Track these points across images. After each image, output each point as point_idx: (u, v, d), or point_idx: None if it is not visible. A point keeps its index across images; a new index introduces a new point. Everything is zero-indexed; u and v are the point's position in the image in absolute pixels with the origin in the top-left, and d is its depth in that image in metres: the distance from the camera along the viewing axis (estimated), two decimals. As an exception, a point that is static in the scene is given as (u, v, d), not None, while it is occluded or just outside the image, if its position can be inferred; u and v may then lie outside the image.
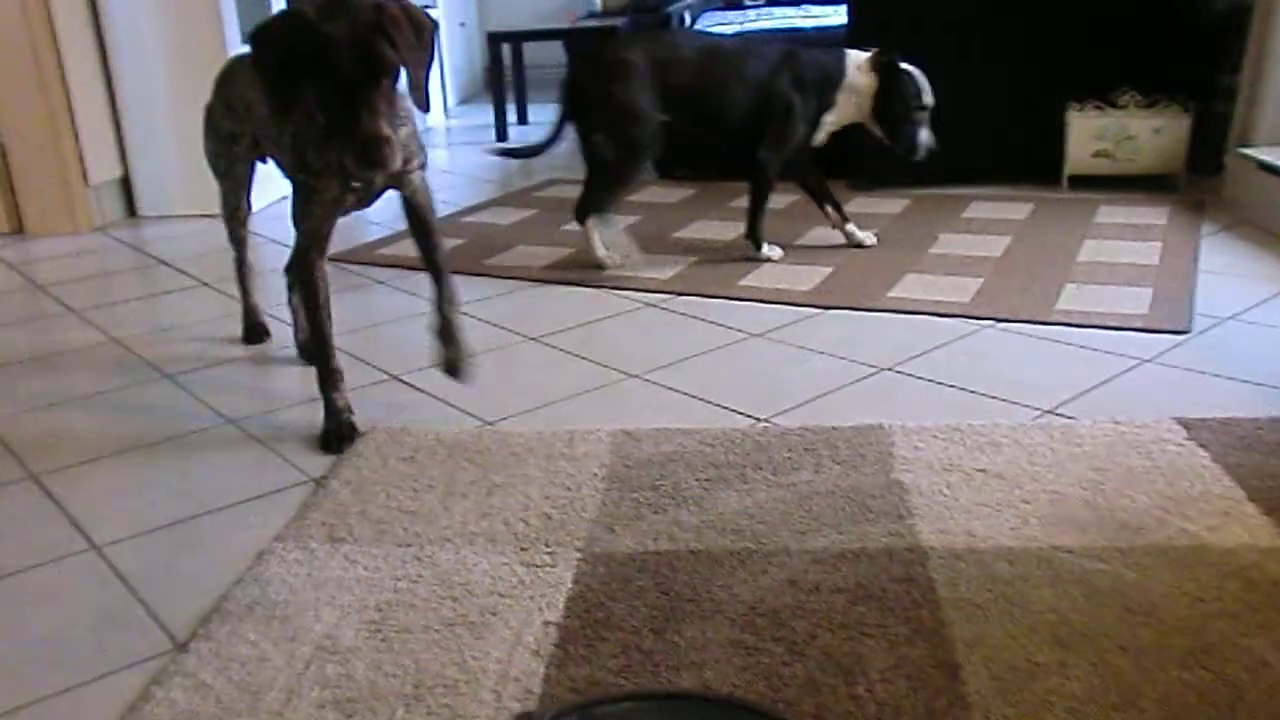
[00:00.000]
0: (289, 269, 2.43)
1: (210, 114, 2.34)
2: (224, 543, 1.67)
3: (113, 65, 3.78)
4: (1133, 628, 1.35)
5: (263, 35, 1.72)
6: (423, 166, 2.02)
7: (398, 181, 1.97)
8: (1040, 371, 2.19)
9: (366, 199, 1.98)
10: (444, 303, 2.09)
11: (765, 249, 3.04)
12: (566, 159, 4.73)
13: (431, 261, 2.09)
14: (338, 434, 1.98)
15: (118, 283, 3.15)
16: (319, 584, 1.52)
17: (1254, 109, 3.29)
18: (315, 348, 2.03)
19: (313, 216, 1.93)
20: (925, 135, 2.96)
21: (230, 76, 2.29)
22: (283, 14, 1.72)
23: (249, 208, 2.45)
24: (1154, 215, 3.28)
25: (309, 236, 1.95)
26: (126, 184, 3.93)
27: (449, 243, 3.31)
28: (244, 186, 2.39)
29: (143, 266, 3.30)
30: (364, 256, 3.24)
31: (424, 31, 1.75)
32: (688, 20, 5.13)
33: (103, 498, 1.84)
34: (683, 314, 2.64)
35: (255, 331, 2.60)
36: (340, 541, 1.63)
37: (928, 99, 2.94)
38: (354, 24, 1.64)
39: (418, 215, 2.06)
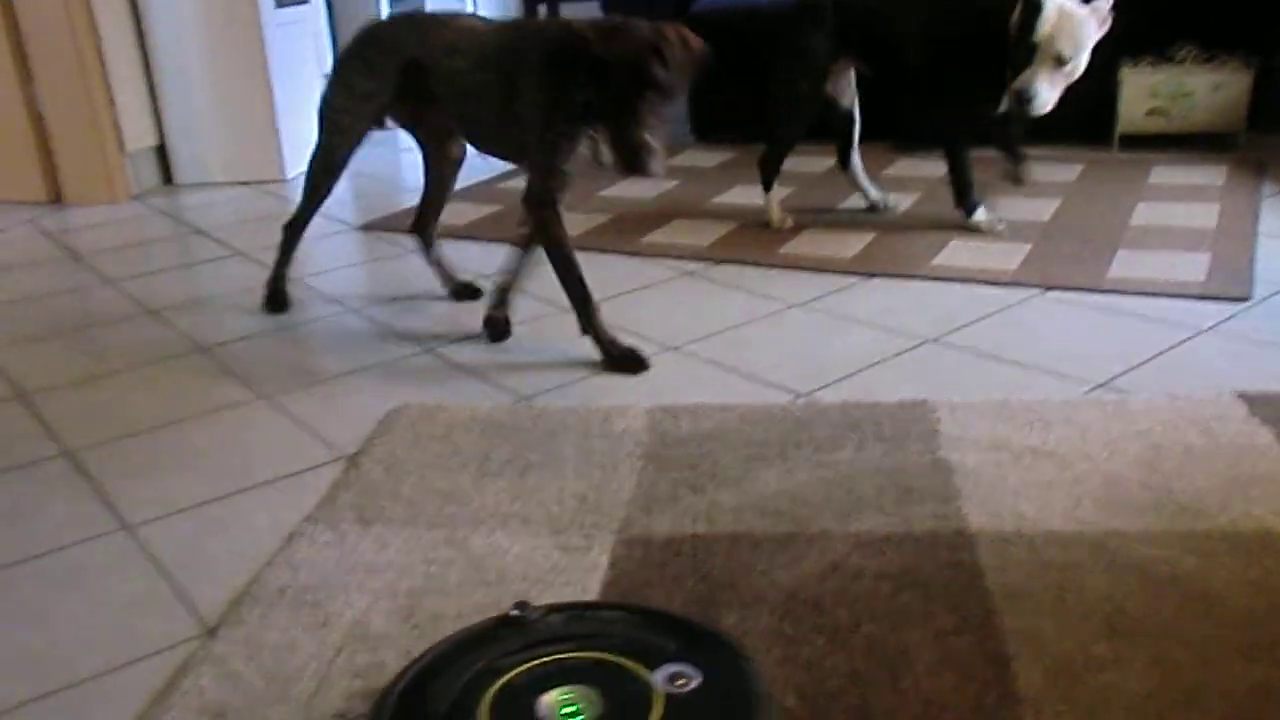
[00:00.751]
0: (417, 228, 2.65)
1: (344, 71, 2.38)
2: (255, 523, 1.65)
3: (148, 32, 3.75)
4: (1193, 619, 1.29)
5: (551, 50, 1.95)
6: None
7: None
8: (1092, 343, 2.11)
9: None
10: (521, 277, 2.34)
11: (980, 214, 2.79)
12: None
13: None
14: (629, 356, 2.13)
15: (154, 252, 3.13)
16: (350, 568, 1.49)
17: (1319, 63, 3.16)
18: (573, 287, 2.17)
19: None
20: (1020, 85, 2.47)
21: (376, 39, 2.34)
22: (569, 35, 1.92)
23: (346, 165, 2.50)
24: (1211, 176, 3.16)
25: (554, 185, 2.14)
26: (163, 152, 3.92)
27: (482, 209, 3.28)
28: (357, 144, 2.44)
29: (179, 235, 3.29)
30: (397, 225, 3.20)
31: (694, 55, 1.95)
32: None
33: (135, 475, 1.82)
34: (721, 283, 2.58)
35: (279, 299, 2.57)
36: (371, 523, 1.60)
37: (1037, 35, 2.42)
38: (629, 46, 1.85)
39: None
